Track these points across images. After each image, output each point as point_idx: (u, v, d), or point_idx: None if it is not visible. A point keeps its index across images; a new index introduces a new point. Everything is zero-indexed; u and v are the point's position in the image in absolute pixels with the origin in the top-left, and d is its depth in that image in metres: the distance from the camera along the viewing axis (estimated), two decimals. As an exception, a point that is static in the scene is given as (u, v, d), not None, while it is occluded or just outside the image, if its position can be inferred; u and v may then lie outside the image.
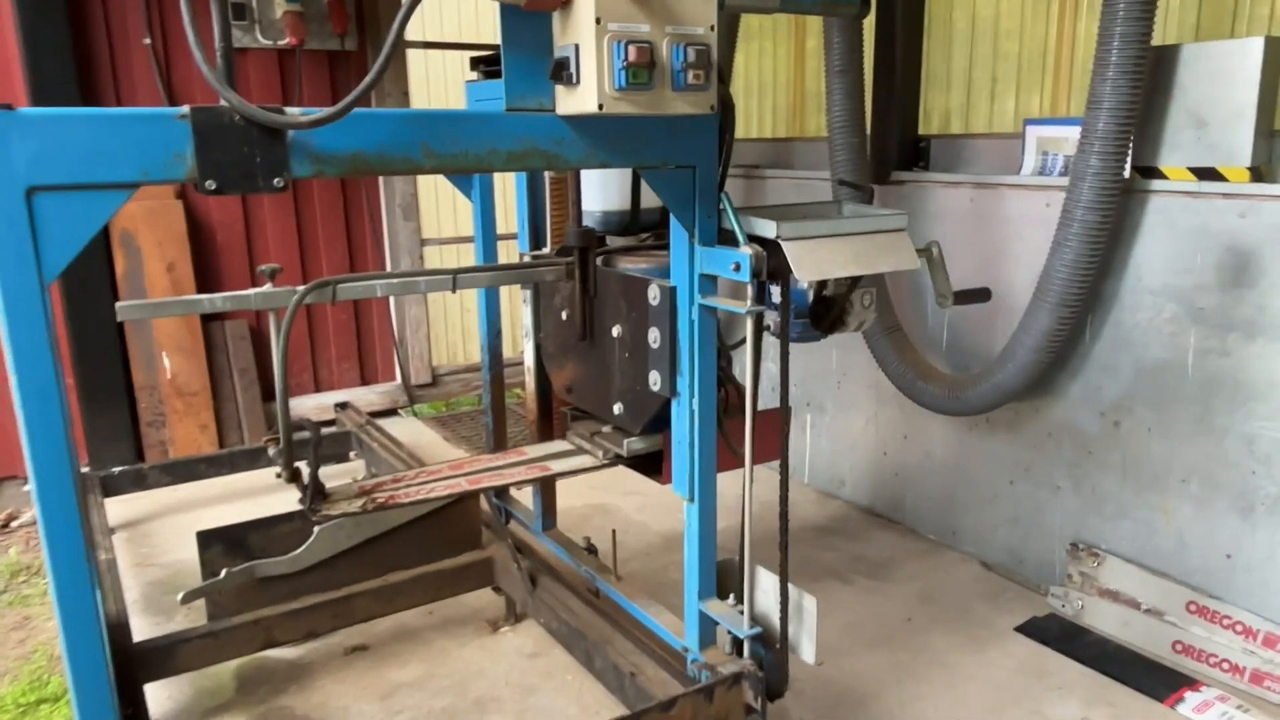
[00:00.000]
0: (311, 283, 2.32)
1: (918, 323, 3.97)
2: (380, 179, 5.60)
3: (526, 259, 2.98)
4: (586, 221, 2.73)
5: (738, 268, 2.13)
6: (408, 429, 5.58)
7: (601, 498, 4.47)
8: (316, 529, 2.93)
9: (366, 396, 5.72)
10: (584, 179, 2.76)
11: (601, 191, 2.79)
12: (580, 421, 2.83)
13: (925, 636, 3.25)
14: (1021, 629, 3.29)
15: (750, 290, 2.14)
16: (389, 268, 5.74)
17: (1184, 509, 3.11)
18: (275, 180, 1.71)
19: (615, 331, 2.55)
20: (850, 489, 4.44)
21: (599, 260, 2.65)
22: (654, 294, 2.34)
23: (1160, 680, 2.98)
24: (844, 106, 3.83)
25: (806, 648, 2.33)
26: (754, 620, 2.37)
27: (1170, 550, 3.16)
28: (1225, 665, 2.96)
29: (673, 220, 2.26)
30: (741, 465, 2.32)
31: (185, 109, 1.63)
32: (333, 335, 5.64)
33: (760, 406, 2.27)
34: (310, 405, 5.50)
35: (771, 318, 2.45)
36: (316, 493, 2.40)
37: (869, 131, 3.93)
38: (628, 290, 2.48)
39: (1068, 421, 3.44)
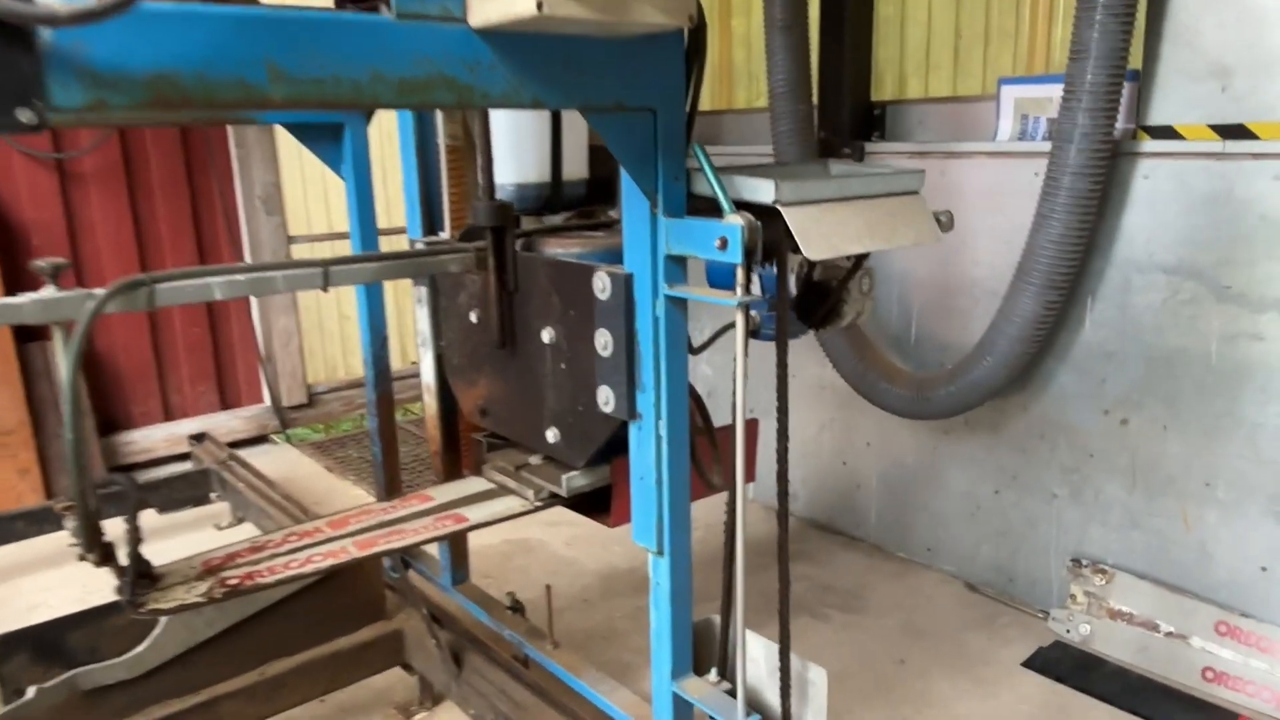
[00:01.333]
0: (115, 283, 1.66)
1: (876, 313, 3.54)
2: (236, 163, 4.82)
3: (420, 247, 2.36)
4: (503, 199, 2.15)
5: (724, 244, 1.59)
6: (281, 460, 4.82)
7: (522, 531, 3.87)
8: (162, 619, 2.24)
9: (229, 423, 4.93)
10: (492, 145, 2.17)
11: (515, 159, 2.22)
12: (499, 451, 2.25)
13: (925, 682, 2.80)
14: (1029, 664, 2.88)
15: (740, 275, 1.60)
16: (251, 270, 4.95)
17: (1208, 515, 2.75)
18: (20, 112, 1.06)
19: (546, 336, 1.99)
20: (805, 503, 3.97)
21: (518, 245, 2.08)
22: (602, 285, 1.79)
23: (1198, 716, 2.60)
24: (787, 68, 3.37)
25: None
26: (749, 707, 1.84)
27: (1192, 563, 2.80)
28: (1266, 694, 2.61)
29: (626, 185, 1.72)
30: (714, 492, 1.87)
31: None
32: (184, 353, 4.83)
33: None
34: (159, 437, 4.69)
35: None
36: (140, 577, 1.75)
37: (815, 99, 3.49)
38: (562, 281, 1.93)
39: (1063, 420, 3.05)
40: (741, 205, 1.63)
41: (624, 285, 1.75)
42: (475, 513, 2.06)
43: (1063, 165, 2.66)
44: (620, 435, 1.86)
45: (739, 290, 1.61)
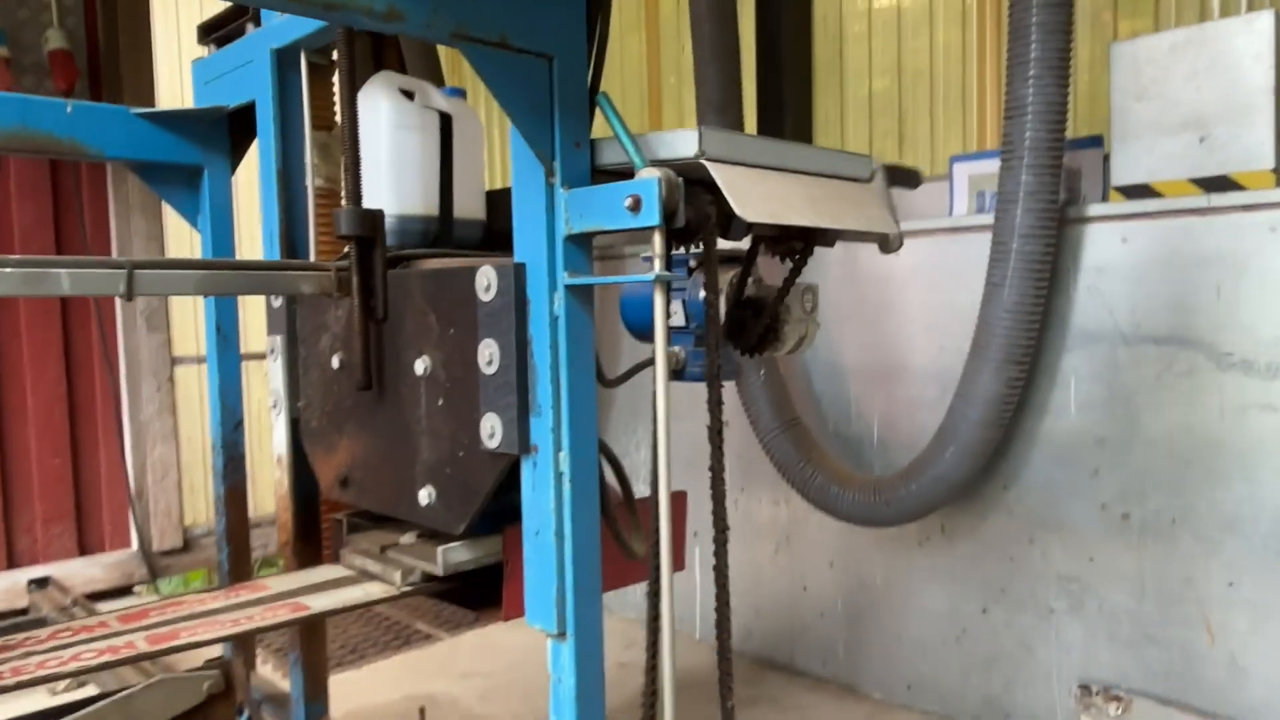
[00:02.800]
0: None
1: (824, 410, 3.22)
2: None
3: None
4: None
5: (637, 204, 1.28)
6: (145, 613, 4.17)
7: (427, 684, 3.32)
8: None
9: (86, 571, 4.30)
10: (369, 175, 1.86)
11: (394, 189, 1.90)
12: (362, 534, 1.80)
13: None
14: None
15: (658, 244, 1.26)
16: (124, 394, 4.48)
17: (1235, 622, 2.37)
18: None
19: (420, 367, 1.62)
20: (759, 640, 3.47)
21: (393, 265, 1.73)
22: (486, 283, 1.46)
23: None
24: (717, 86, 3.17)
25: None
26: None
27: (1222, 681, 2.40)
28: (1340, 845, 2.14)
29: (516, 150, 1.41)
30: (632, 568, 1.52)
31: None
32: (38, 487, 4.25)
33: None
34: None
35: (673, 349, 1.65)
36: None
37: None
38: (440, 292, 1.60)
39: (1054, 520, 2.70)
40: (659, 165, 1.32)
41: (513, 279, 1.42)
42: (320, 601, 1.59)
43: (1009, 229, 2.50)
44: (512, 498, 1.46)
45: (656, 263, 1.28)
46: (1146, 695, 2.50)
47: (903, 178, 2.26)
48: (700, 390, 1.50)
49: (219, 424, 2.24)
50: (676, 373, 1.72)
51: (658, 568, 1.45)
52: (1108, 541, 2.60)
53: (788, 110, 3.31)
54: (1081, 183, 2.96)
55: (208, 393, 2.29)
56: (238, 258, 2.35)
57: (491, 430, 1.43)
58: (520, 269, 1.41)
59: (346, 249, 1.69)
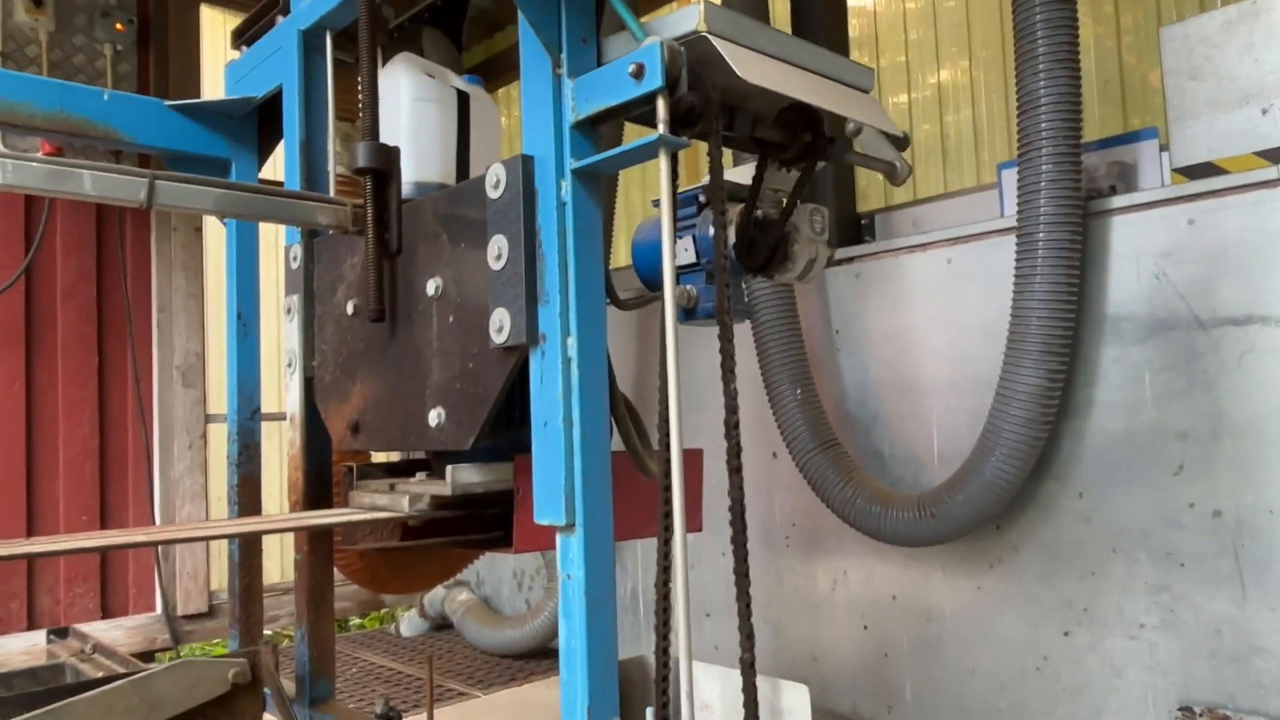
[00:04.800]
0: None
1: (867, 433, 3.12)
2: (155, 328, 4.57)
3: (294, 252, 2.01)
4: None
5: (639, 71, 1.32)
6: (166, 677, 4.11)
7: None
8: None
9: (109, 634, 4.27)
10: (388, 139, 1.90)
11: (413, 153, 1.94)
12: (371, 479, 1.77)
13: None
14: None
15: (663, 107, 1.26)
16: (157, 450, 4.55)
17: (1354, 618, 2.17)
18: None
19: (432, 288, 1.64)
20: (817, 690, 3.26)
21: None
22: (495, 179, 1.49)
23: None
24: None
25: None
26: None
27: (1347, 691, 2.18)
28: None
29: (525, 42, 1.45)
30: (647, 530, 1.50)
31: None
32: (65, 545, 4.27)
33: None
34: (16, 647, 4.03)
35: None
36: None
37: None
38: (452, 207, 1.63)
39: (1136, 526, 2.54)
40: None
41: (521, 171, 1.44)
42: (323, 520, 1.55)
43: (1034, 219, 2.55)
44: (521, 435, 1.46)
45: (663, 123, 1.27)
46: (1258, 714, 2.28)
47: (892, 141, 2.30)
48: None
49: (235, 411, 2.25)
50: (688, 311, 1.71)
51: (669, 516, 1.38)
52: (1199, 544, 2.43)
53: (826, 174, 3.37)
54: (1138, 175, 2.92)
55: (225, 383, 2.31)
56: (260, 258, 2.39)
57: (500, 325, 1.43)
58: (528, 161, 1.42)
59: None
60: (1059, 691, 2.67)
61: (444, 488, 1.57)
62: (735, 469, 1.38)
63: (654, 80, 1.25)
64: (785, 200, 1.64)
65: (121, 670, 3.11)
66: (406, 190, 1.92)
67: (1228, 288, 2.43)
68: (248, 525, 1.79)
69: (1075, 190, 2.53)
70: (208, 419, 4.69)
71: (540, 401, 1.40)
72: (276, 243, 2.47)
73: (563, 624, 1.40)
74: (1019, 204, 2.61)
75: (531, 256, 1.41)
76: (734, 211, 1.66)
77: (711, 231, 1.51)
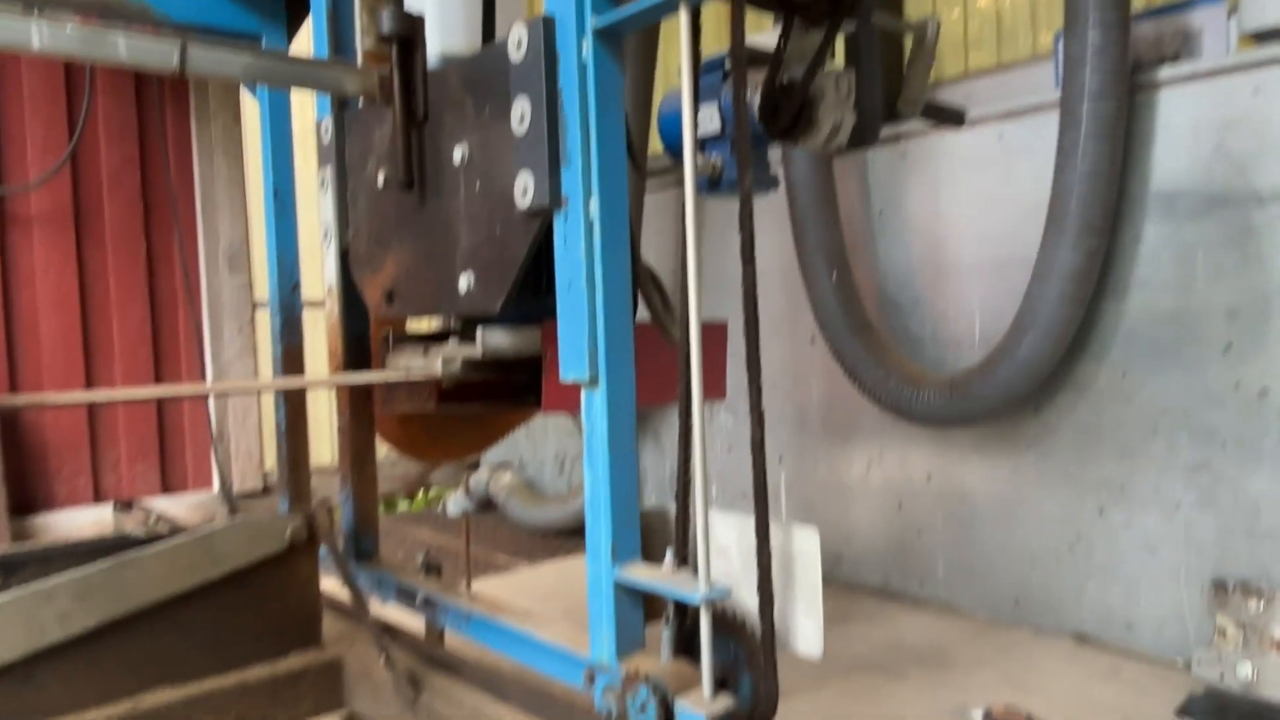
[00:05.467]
0: None
1: (906, 315, 3.09)
2: (200, 215, 4.62)
3: (325, 125, 2.01)
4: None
5: None
6: (226, 550, 4.31)
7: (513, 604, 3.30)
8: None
9: (170, 509, 4.43)
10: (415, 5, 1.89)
11: (439, 22, 1.90)
12: (406, 346, 1.81)
13: None
14: (1185, 712, 2.22)
15: None
16: (207, 336, 4.65)
17: (1397, 495, 2.15)
18: None
19: (459, 155, 1.64)
20: (851, 566, 3.35)
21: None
22: (517, 40, 1.47)
23: None
24: None
25: (806, 631, 1.43)
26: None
27: (1385, 567, 2.17)
28: None
29: None
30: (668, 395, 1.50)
31: None
32: (124, 426, 4.44)
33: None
34: (86, 520, 4.24)
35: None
36: None
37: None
38: (474, 77, 1.61)
39: (1180, 405, 2.51)
40: None
41: (543, 31, 1.42)
42: (361, 378, 1.60)
43: (1078, 92, 2.46)
44: (547, 302, 1.50)
45: None
46: (1292, 590, 2.29)
47: (942, 115, 2.20)
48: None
49: (276, 286, 2.29)
50: (714, 182, 1.68)
51: (688, 389, 1.39)
52: (1244, 423, 2.40)
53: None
54: (1202, 42, 2.78)
55: (264, 279, 2.35)
56: (292, 128, 2.39)
57: (525, 187, 1.44)
58: (549, 22, 1.41)
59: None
60: (1091, 568, 2.69)
61: (475, 350, 1.62)
62: (751, 320, 1.37)
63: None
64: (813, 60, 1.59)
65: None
66: (432, 62, 1.90)
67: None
68: (292, 381, 1.84)
69: (1122, 61, 2.42)
70: (254, 305, 4.77)
71: (564, 262, 1.42)
72: (311, 122, 2.45)
73: (587, 473, 1.45)
74: (1063, 76, 2.51)
75: (554, 118, 1.41)
76: (759, 77, 1.62)
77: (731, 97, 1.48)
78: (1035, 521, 2.82)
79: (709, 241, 2.99)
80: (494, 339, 1.61)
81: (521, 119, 1.43)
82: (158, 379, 4.53)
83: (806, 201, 3.07)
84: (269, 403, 4.91)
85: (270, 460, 4.85)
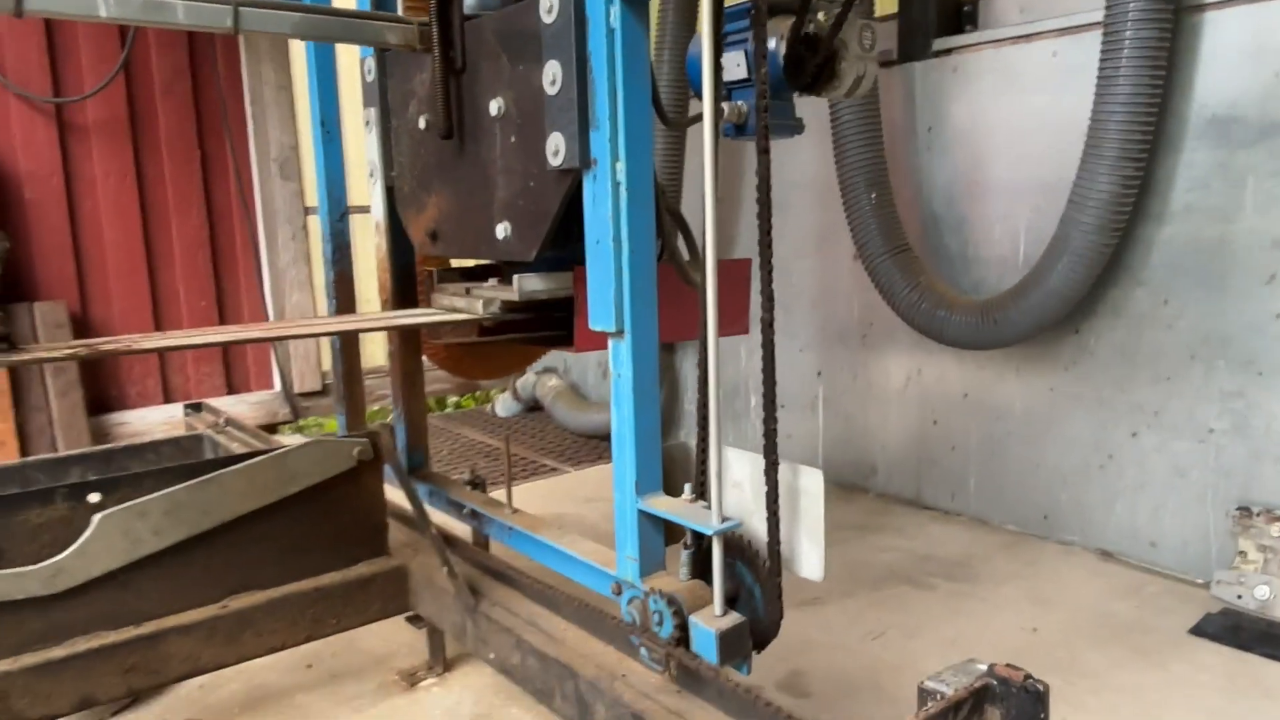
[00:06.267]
0: None
1: (949, 236, 3.08)
2: (250, 123, 4.68)
3: (369, 65, 2.07)
4: None
5: None
6: (288, 448, 4.53)
7: (556, 506, 3.50)
8: (95, 519, 1.88)
9: (235, 408, 4.67)
10: None
11: None
12: (450, 284, 1.93)
13: (1068, 652, 2.27)
14: (1199, 631, 2.32)
15: None
16: (262, 241, 4.78)
17: None
18: None
19: (495, 108, 1.73)
20: (884, 477, 3.45)
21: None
22: (549, 4, 1.53)
23: None
24: None
25: (809, 555, 1.59)
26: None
27: None
28: None
29: None
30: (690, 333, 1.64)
31: None
32: (187, 327, 4.61)
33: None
34: (157, 419, 4.47)
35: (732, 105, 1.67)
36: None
37: None
38: (510, 31, 1.67)
39: (1219, 333, 2.52)
40: None
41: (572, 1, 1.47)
42: (409, 320, 1.73)
43: (1123, 16, 2.41)
44: (578, 249, 1.58)
45: None
46: (1316, 517, 2.35)
47: None
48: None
49: (326, 214, 2.38)
50: (739, 127, 1.71)
51: (707, 321, 1.46)
52: (1280, 353, 2.42)
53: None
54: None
55: (315, 186, 2.43)
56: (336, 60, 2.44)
57: (556, 148, 1.53)
58: None
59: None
60: (1121, 488, 2.76)
61: (512, 294, 1.76)
62: (767, 262, 1.43)
63: None
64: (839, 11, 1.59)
65: (251, 440, 3.46)
66: (469, 6, 1.93)
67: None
68: (345, 324, 1.95)
69: None
70: (306, 211, 4.87)
71: (593, 221, 1.52)
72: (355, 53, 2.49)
73: (614, 414, 1.59)
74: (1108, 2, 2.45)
75: (584, 82, 1.48)
76: (786, 26, 1.63)
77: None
78: (1068, 441, 2.89)
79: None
80: (529, 284, 1.76)
81: (553, 81, 1.51)
82: (217, 283, 4.69)
83: (849, 119, 3.04)
84: (325, 307, 5.06)
85: (326, 361, 5.03)
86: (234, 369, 4.79)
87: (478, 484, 2.32)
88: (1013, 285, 2.77)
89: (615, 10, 1.41)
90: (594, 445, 4.36)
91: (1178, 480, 2.64)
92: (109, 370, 4.43)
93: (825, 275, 3.51)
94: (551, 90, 1.51)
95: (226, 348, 4.70)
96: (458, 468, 4.04)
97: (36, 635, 1.84)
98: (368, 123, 2.07)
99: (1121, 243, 2.63)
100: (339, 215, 2.38)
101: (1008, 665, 1.13)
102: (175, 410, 4.51)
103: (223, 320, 4.69)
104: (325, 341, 5.00)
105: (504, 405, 5.14)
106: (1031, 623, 2.41)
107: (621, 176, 1.46)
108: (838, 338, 3.54)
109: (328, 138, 2.36)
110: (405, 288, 2.18)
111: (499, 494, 2.27)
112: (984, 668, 1.13)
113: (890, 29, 3.29)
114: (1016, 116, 2.93)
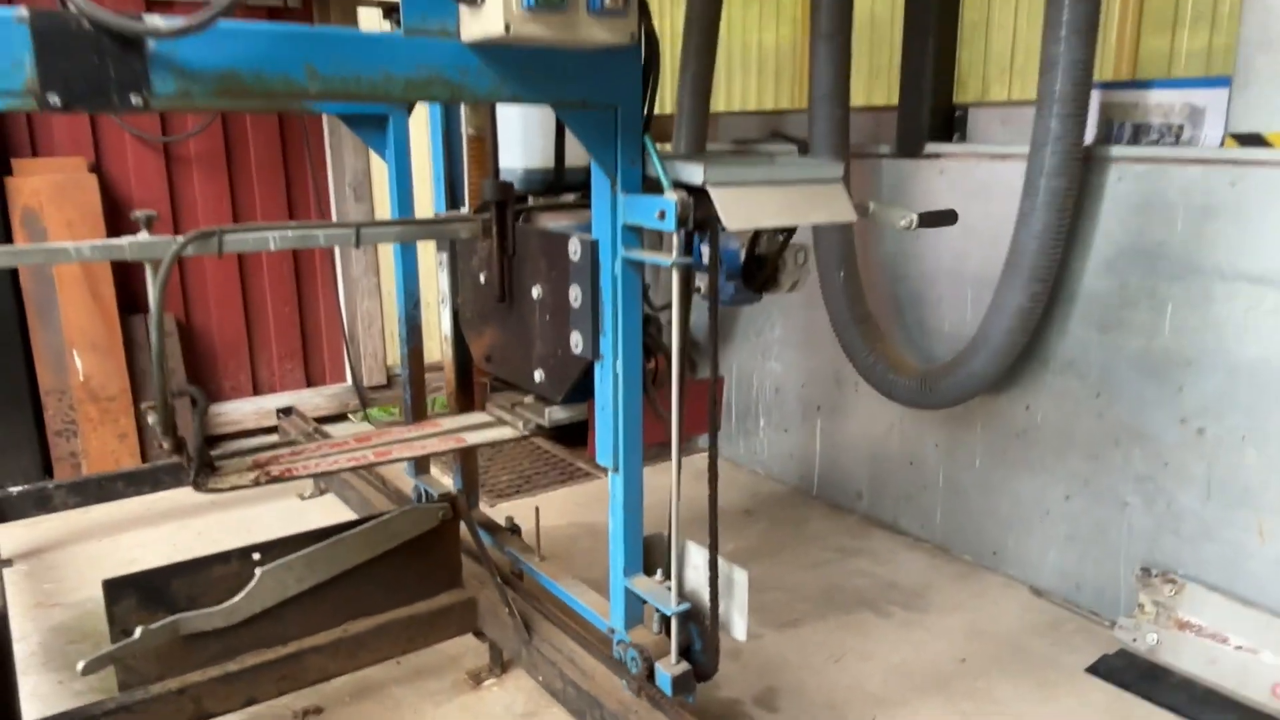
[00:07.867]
0: (193, 231, 2.14)
1: (906, 312, 3.63)
2: (329, 150, 5.26)
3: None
4: (506, 180, 2.62)
5: (662, 215, 1.98)
6: (361, 438, 5.21)
7: (587, 514, 4.12)
8: (258, 572, 2.58)
9: (313, 400, 5.37)
10: (503, 134, 2.68)
11: (523, 147, 2.65)
12: (500, 393, 2.75)
13: (985, 681, 2.92)
14: (1094, 670, 2.94)
15: (676, 241, 1.98)
16: (337, 254, 5.39)
17: (1284, 528, 2.74)
18: (132, 97, 1.52)
19: (535, 293, 2.42)
20: (868, 502, 4.07)
21: (518, 217, 2.52)
22: (575, 249, 2.21)
23: (1261, 737, 2.61)
24: (827, 74, 3.50)
25: (738, 624, 2.33)
26: (682, 597, 2.33)
27: (1267, 577, 2.81)
28: (1338, 720, 2.58)
29: (594, 167, 2.12)
30: (668, 434, 2.27)
31: (24, 9, 1.46)
32: (274, 332, 5.29)
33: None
34: (249, 410, 5.16)
35: (702, 280, 2.34)
36: (202, 465, 2.20)
37: (898, 97, 3.72)
38: (548, 247, 2.35)
39: (1138, 428, 3.07)
40: (681, 186, 1.99)
41: (591, 250, 2.15)
42: (473, 436, 2.60)
43: (1039, 168, 2.94)
44: (591, 376, 2.29)
45: (674, 252, 1.99)
46: (1199, 581, 2.93)
47: (938, 219, 2.65)
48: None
49: (403, 304, 3.12)
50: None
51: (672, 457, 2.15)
52: (1183, 451, 2.96)
53: (927, 64, 3.59)
54: (1204, 123, 3.13)
55: (394, 277, 3.13)
56: (411, 177, 3.10)
57: (577, 341, 2.22)
58: (595, 244, 2.14)
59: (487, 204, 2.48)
60: (1055, 538, 3.37)
61: (544, 419, 2.59)
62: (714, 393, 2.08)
63: (670, 224, 1.95)
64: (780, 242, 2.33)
65: (336, 439, 4.13)
66: (515, 179, 2.64)
67: (1252, 248, 2.75)
68: (416, 444, 2.59)
69: (1077, 145, 2.88)
70: (376, 225, 5.45)
71: (600, 395, 2.23)
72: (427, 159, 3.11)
73: (611, 518, 2.35)
74: (1030, 153, 2.95)
75: (596, 304, 2.14)
76: (746, 238, 2.34)
77: (734, 244, 2.32)
78: (1016, 494, 3.48)
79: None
80: (557, 415, 2.60)
81: (576, 298, 2.19)
82: (299, 289, 5.33)
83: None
84: (391, 312, 5.70)
85: (392, 357, 5.70)
86: (312, 366, 5.46)
87: (515, 530, 3.07)
88: (943, 363, 3.40)
89: (618, 264, 2.11)
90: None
91: (1099, 537, 3.23)
92: (208, 366, 5.12)
93: (825, 324, 4.06)
94: (575, 304, 2.19)
95: (305, 341, 5.43)
96: (531, 481, 4.68)
97: (219, 654, 2.54)
98: (440, 263, 2.83)
99: (1069, 342, 3.18)
100: (413, 305, 3.12)
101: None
102: (264, 402, 5.20)
103: (303, 324, 5.35)
104: (390, 342, 5.67)
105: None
106: (963, 653, 3.05)
107: (619, 369, 2.17)
108: (835, 380, 4.12)
109: (405, 247, 3.06)
110: (465, 386, 2.99)
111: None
112: None
113: (889, 119, 3.78)
114: (987, 220, 3.42)
